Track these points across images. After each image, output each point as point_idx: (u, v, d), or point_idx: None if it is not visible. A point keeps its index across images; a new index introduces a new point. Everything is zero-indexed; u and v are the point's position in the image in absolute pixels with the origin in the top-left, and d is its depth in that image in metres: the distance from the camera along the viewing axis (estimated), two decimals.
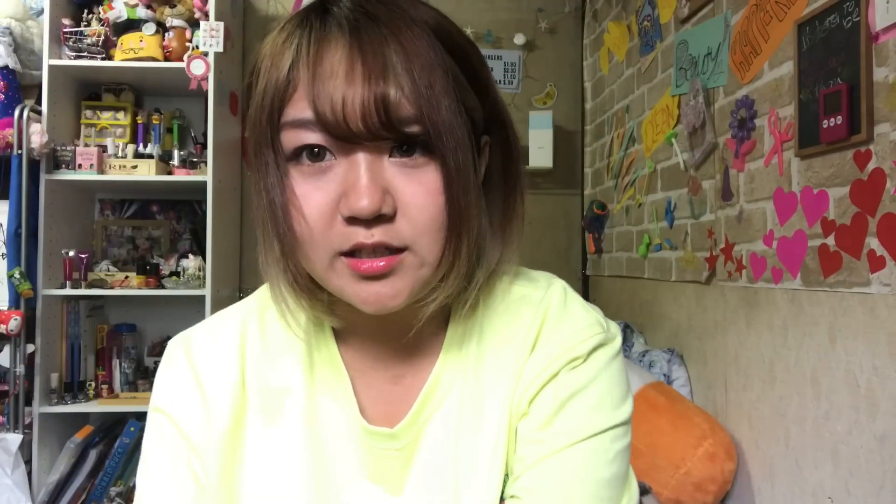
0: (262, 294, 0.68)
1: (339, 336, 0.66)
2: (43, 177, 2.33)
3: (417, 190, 0.54)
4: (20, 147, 2.27)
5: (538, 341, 0.63)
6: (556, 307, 0.64)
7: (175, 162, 2.46)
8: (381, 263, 0.54)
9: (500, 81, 2.98)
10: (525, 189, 0.65)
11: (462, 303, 0.62)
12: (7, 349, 2.30)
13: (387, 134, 0.52)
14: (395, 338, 0.64)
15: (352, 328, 0.64)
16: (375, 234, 0.53)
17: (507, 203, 0.64)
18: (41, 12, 2.41)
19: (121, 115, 2.58)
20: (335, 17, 0.55)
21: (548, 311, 0.64)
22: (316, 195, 0.54)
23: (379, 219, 0.53)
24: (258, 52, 0.58)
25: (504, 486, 0.62)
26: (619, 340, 0.65)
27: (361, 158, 0.53)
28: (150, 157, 2.43)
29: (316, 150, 0.54)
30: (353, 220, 0.53)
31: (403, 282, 0.55)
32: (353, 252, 0.54)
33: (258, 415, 0.63)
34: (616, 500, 0.60)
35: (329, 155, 0.54)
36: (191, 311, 2.36)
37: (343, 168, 0.54)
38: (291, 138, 0.54)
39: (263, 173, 0.56)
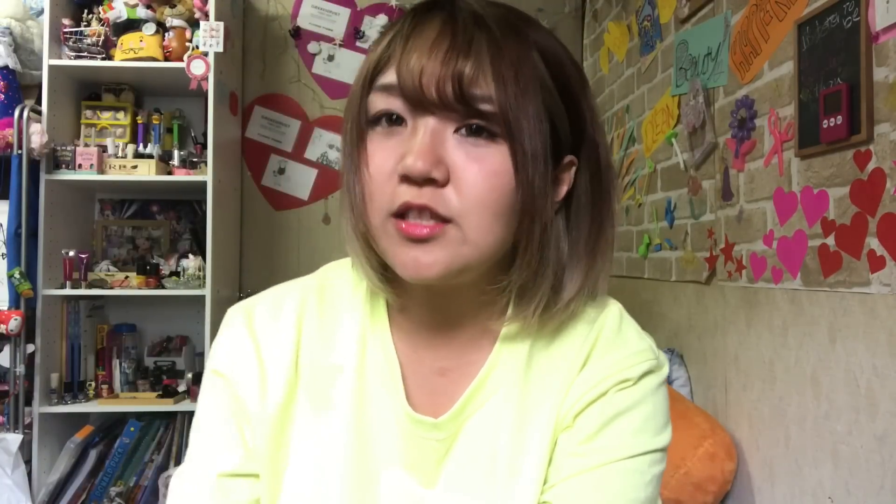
0: (323, 273, 0.71)
1: (393, 321, 0.67)
2: (43, 177, 2.33)
3: (474, 166, 0.56)
4: (20, 147, 2.27)
5: (590, 359, 0.65)
6: (611, 328, 0.66)
7: (175, 162, 2.46)
8: (425, 229, 0.55)
9: None
10: (612, 218, 0.65)
11: (522, 312, 0.62)
12: (7, 349, 2.30)
13: (458, 107, 0.55)
14: (446, 327, 0.65)
15: (406, 310, 0.66)
16: (423, 197, 0.55)
17: (594, 228, 0.64)
18: (41, 12, 2.41)
19: (121, 115, 2.58)
20: (442, 7, 0.59)
21: (602, 331, 0.66)
22: (381, 153, 0.57)
23: (429, 182, 0.55)
24: None
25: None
26: (666, 369, 0.67)
27: (427, 124, 0.56)
28: (150, 157, 2.43)
29: (394, 116, 0.57)
30: (405, 180, 0.55)
31: (443, 252, 0.56)
32: (402, 215, 0.56)
33: (308, 392, 0.65)
34: None
35: (404, 122, 0.58)
36: (191, 311, 2.37)
37: (410, 132, 0.57)
38: (375, 102, 0.58)
39: (349, 131, 0.61)
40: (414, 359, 0.66)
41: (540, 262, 0.60)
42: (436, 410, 0.64)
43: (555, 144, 0.59)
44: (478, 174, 0.55)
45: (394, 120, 0.57)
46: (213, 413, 0.66)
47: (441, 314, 0.65)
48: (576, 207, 0.64)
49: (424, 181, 0.55)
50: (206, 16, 2.39)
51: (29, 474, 2.29)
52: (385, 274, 0.63)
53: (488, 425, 0.64)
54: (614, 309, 0.68)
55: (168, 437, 2.46)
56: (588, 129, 0.63)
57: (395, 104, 0.57)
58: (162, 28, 2.46)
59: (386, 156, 0.57)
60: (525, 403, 0.64)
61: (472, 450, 0.64)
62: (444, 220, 0.55)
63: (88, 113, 2.57)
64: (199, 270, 2.43)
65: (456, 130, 0.56)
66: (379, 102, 0.58)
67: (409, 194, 0.55)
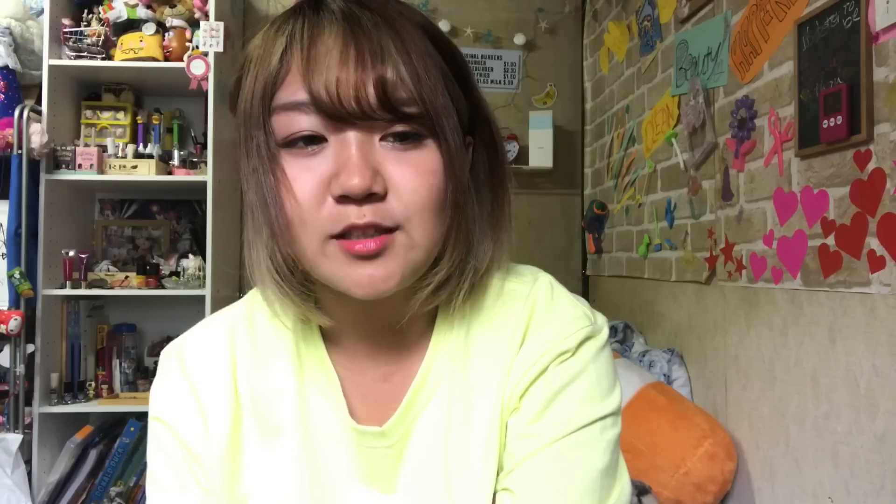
0: (251, 298, 0.69)
1: (328, 336, 0.65)
2: (43, 177, 2.33)
3: (408, 171, 0.54)
4: (20, 147, 2.27)
5: (526, 336, 0.63)
6: (543, 301, 0.64)
7: (175, 162, 2.47)
8: (373, 244, 0.54)
9: (499, 81, 2.98)
10: (509, 189, 0.66)
11: (450, 299, 0.62)
12: (7, 349, 2.30)
13: (383, 114, 0.53)
14: (385, 333, 0.64)
15: (340, 326, 0.64)
16: (367, 214, 0.53)
17: (496, 202, 0.65)
18: (41, 12, 2.41)
19: (121, 115, 2.59)
20: (327, 7, 0.56)
21: (535, 306, 0.64)
22: (306, 176, 0.54)
23: (370, 198, 0.53)
24: (248, 46, 0.59)
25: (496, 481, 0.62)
26: (605, 332, 0.65)
27: (352, 138, 0.54)
28: (150, 157, 2.43)
29: (309, 137, 0.54)
30: (344, 200, 0.53)
31: (395, 262, 0.55)
32: (345, 235, 0.54)
33: (253, 420, 0.64)
34: (608, 489, 0.60)
35: (322, 140, 0.55)
36: (191, 311, 2.37)
37: (334, 149, 0.54)
38: (284, 122, 0.55)
39: (254, 157, 0.56)
40: (354, 370, 0.65)
41: (462, 234, 0.60)
42: (382, 418, 0.63)
43: (461, 130, 0.59)
44: (415, 178, 0.54)
45: (310, 140, 0.54)
46: (162, 461, 0.64)
47: (375, 323, 0.63)
48: (475, 185, 0.63)
49: (365, 197, 0.53)
50: (206, 16, 2.39)
51: (29, 474, 2.29)
52: (310, 301, 0.61)
53: (436, 422, 0.63)
54: (544, 281, 0.66)
55: None
56: (480, 107, 0.62)
57: (311, 122, 0.54)
58: (162, 28, 2.46)
59: (311, 177, 0.54)
60: (468, 393, 0.63)
61: (423, 450, 0.63)
62: (390, 230, 0.54)
63: (88, 113, 2.57)
64: (199, 270, 2.43)
65: (382, 138, 0.55)
66: (290, 123, 0.54)
67: (352, 215, 0.53)
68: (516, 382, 0.62)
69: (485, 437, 0.62)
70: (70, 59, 2.39)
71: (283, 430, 0.63)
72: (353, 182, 0.52)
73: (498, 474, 0.62)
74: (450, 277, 0.60)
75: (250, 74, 0.57)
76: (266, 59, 0.55)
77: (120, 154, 2.44)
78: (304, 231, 0.55)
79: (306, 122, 0.54)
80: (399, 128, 0.54)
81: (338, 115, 0.53)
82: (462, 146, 0.58)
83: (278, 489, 0.62)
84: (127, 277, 2.42)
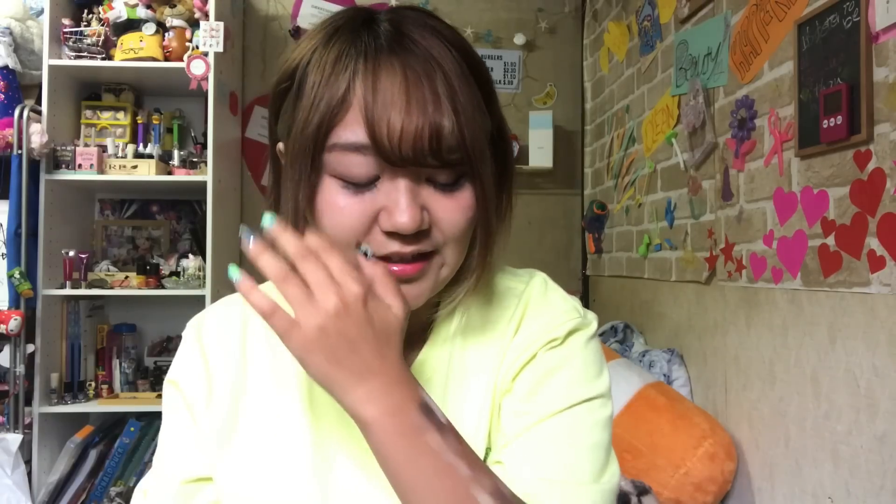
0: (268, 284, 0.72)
1: None
2: (43, 177, 2.33)
3: (450, 206, 0.60)
4: (20, 147, 2.27)
5: (521, 326, 0.69)
6: (536, 296, 0.71)
7: (175, 162, 2.46)
8: (411, 269, 0.59)
9: (499, 81, 2.98)
10: (512, 196, 0.70)
11: (454, 295, 0.67)
12: (7, 349, 2.30)
13: (433, 161, 0.57)
14: None
15: None
16: (412, 247, 0.59)
17: (500, 210, 0.70)
18: (41, 12, 2.41)
19: (121, 115, 2.58)
20: (384, 38, 0.58)
21: (529, 300, 0.70)
22: (357, 207, 0.58)
23: (417, 234, 0.58)
24: (299, 57, 0.60)
25: (485, 461, 0.65)
26: (594, 326, 0.71)
27: (403, 179, 0.58)
28: (150, 157, 2.43)
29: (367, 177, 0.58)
30: (392, 235, 0.58)
31: (428, 282, 0.61)
32: (386, 256, 0.59)
33: (259, 385, 0.69)
34: (597, 468, 0.63)
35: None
36: (191, 311, 2.34)
37: (386, 187, 0.58)
38: (341, 160, 0.58)
39: (302, 184, 0.59)
40: None
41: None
42: None
43: None
44: (455, 213, 0.60)
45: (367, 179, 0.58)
46: (171, 422, 0.70)
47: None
48: None
49: (413, 235, 0.58)
50: (206, 16, 2.39)
51: (29, 474, 2.29)
52: None
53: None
54: (539, 279, 0.73)
55: None
56: (499, 123, 0.66)
57: (367, 163, 0.57)
58: (162, 28, 2.46)
59: (363, 208, 0.58)
60: (463, 376, 0.68)
61: None
62: (428, 255, 0.60)
63: (88, 113, 2.57)
64: (199, 270, 2.43)
65: (428, 179, 0.59)
66: (347, 161, 0.57)
67: (396, 245, 0.58)
68: (509, 366, 0.67)
69: (477, 414, 0.67)
70: (70, 59, 2.38)
71: (291, 393, 0.68)
72: (404, 221, 0.57)
73: (487, 454, 0.66)
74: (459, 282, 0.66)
75: (305, 99, 0.58)
76: (326, 92, 0.57)
77: (120, 154, 2.44)
78: (347, 250, 0.58)
79: (363, 164, 0.57)
80: (445, 173, 0.59)
81: (395, 161, 0.56)
82: (494, 180, 0.63)
83: (279, 437, 0.66)
84: (127, 277, 2.41)
